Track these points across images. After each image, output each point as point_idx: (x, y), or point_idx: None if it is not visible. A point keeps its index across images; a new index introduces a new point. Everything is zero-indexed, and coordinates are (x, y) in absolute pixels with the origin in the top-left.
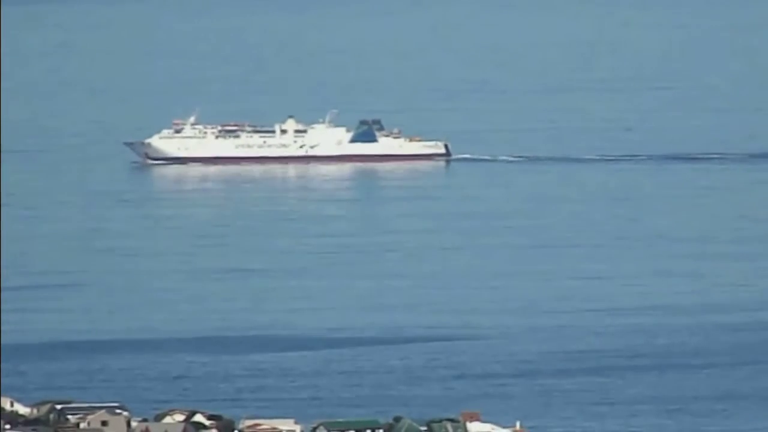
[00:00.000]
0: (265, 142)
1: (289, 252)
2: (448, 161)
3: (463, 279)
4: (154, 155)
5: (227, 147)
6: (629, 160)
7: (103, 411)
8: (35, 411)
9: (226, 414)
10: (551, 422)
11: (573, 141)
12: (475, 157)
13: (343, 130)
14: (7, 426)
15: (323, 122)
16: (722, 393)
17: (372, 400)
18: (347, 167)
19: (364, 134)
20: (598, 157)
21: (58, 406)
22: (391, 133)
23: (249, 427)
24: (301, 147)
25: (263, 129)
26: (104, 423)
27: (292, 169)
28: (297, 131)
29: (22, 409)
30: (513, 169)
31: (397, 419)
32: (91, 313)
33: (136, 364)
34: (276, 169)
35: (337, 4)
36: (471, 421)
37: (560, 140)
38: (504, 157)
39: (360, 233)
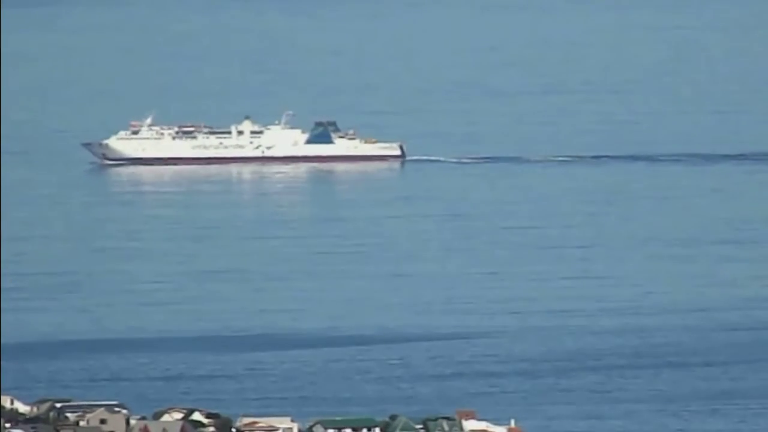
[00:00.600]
0: (221, 143)
1: (286, 252)
2: (403, 162)
3: (461, 279)
4: (112, 156)
5: (184, 148)
6: (623, 160)
7: (102, 409)
8: (35, 409)
9: (224, 412)
10: (549, 421)
11: (570, 141)
12: (429, 158)
13: (298, 131)
14: (8, 424)
15: (279, 123)
16: (719, 391)
17: (369, 398)
18: (303, 168)
19: (320, 135)
20: (570, 158)
21: (58, 405)
22: (347, 135)
23: (246, 425)
24: (257, 148)
25: (219, 130)
26: (103, 421)
27: (247, 170)
28: (253, 132)
29: (22, 408)
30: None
31: (393, 417)
32: (91, 313)
33: (136, 363)
34: (233, 169)
35: (337, 5)
36: (466, 419)
37: (556, 141)
38: (458, 158)
39: (351, 234)
